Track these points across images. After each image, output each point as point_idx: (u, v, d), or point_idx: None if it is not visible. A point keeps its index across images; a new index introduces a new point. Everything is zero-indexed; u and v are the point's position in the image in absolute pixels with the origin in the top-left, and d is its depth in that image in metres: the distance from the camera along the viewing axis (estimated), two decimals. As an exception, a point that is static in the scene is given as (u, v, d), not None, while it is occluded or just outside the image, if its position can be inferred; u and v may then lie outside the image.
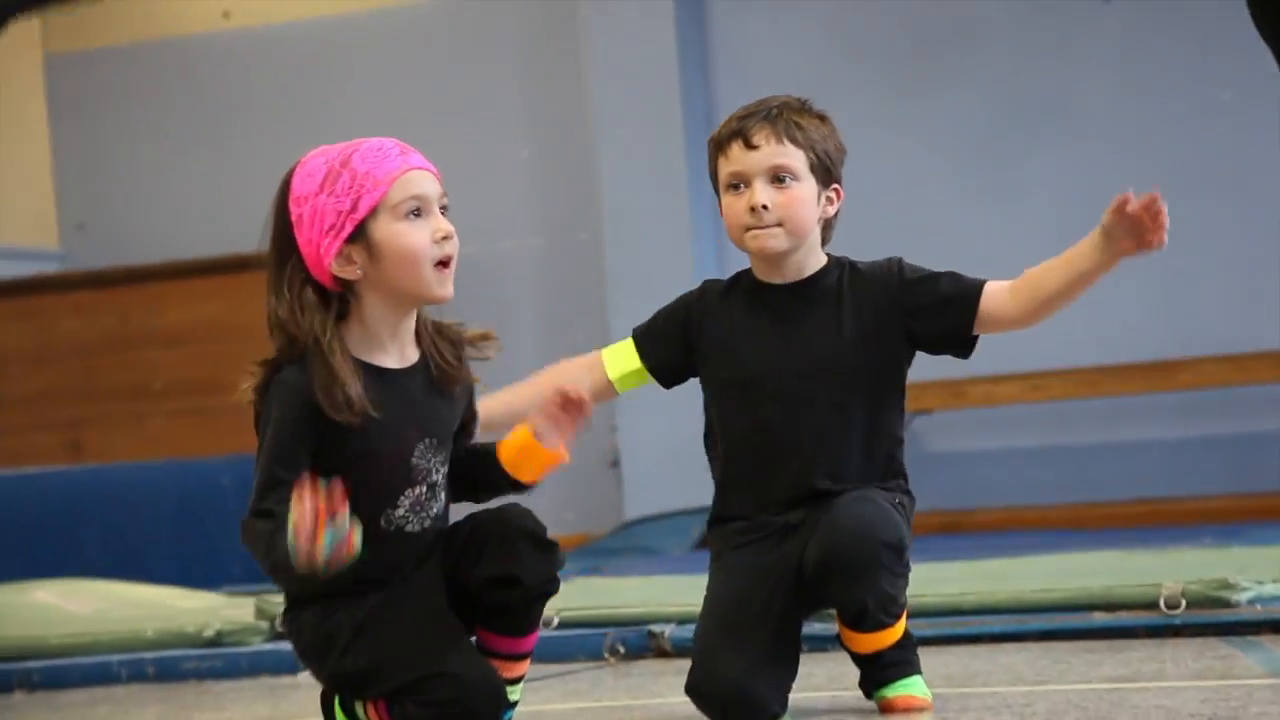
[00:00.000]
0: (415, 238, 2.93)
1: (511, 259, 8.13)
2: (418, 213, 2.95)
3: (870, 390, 3.06)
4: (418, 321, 3.02)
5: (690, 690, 3.01)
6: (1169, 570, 4.27)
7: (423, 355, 3.01)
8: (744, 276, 3.13)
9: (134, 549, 7.05)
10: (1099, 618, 3.93)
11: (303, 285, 2.93)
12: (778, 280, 3.09)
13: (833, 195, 3.10)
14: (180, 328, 7.89)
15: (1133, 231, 2.96)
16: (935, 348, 3.12)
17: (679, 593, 4.60)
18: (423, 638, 2.93)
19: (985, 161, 7.47)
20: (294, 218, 2.95)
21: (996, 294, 3.10)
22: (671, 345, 3.12)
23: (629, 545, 7.13)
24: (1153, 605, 3.89)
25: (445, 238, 2.95)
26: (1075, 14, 7.31)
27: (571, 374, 3.14)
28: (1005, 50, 7.46)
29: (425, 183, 2.97)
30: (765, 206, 3.01)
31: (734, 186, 3.05)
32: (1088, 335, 7.28)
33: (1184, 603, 3.86)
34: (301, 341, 2.90)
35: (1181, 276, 7.20)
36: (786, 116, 3.07)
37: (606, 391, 3.18)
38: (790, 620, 3.03)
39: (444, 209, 2.99)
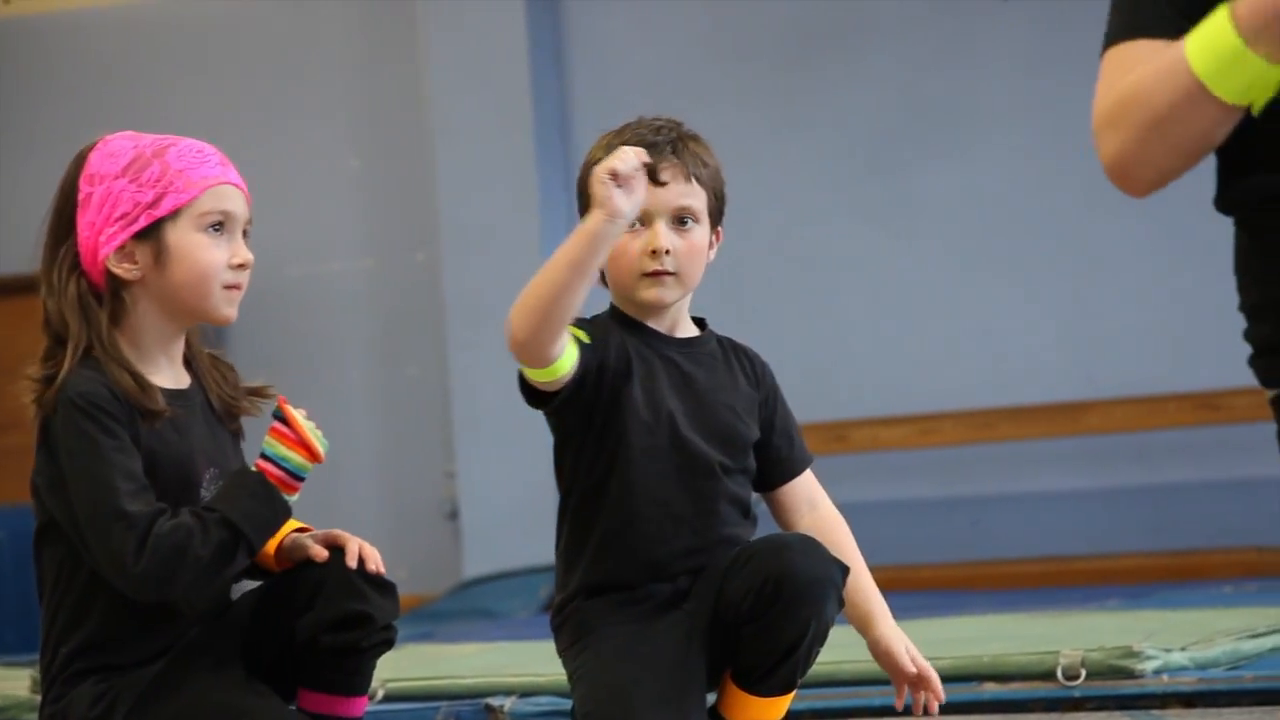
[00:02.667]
0: (213, 254, 3.02)
1: (339, 281, 8.12)
2: (220, 228, 3.03)
3: (751, 456, 3.19)
4: (189, 347, 3.09)
5: None
6: (1069, 637, 4.34)
7: (196, 382, 3.08)
8: (614, 317, 3.15)
9: (-108, 612, 6.94)
10: (990, 689, 3.99)
11: (69, 275, 3.00)
12: (662, 331, 3.15)
13: (717, 235, 3.19)
14: (-48, 357, 7.80)
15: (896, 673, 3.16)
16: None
17: (523, 660, 4.62)
18: (216, 692, 2.96)
19: (874, 173, 7.57)
20: (81, 196, 3.02)
21: (803, 493, 3.23)
22: (596, 354, 3.07)
23: (467, 607, 7.14)
24: (1049, 676, 3.96)
25: (242, 265, 3.05)
26: (973, 12, 7.44)
27: None
28: (896, 51, 7.57)
29: (238, 201, 3.07)
30: (668, 251, 3.06)
31: (631, 225, 3.05)
32: (984, 373, 7.39)
33: (1084, 673, 3.93)
34: (72, 344, 2.96)
35: (1089, 309, 7.33)
36: (692, 150, 3.11)
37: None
38: (702, 681, 3.08)
39: (246, 235, 3.08)
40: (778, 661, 3.05)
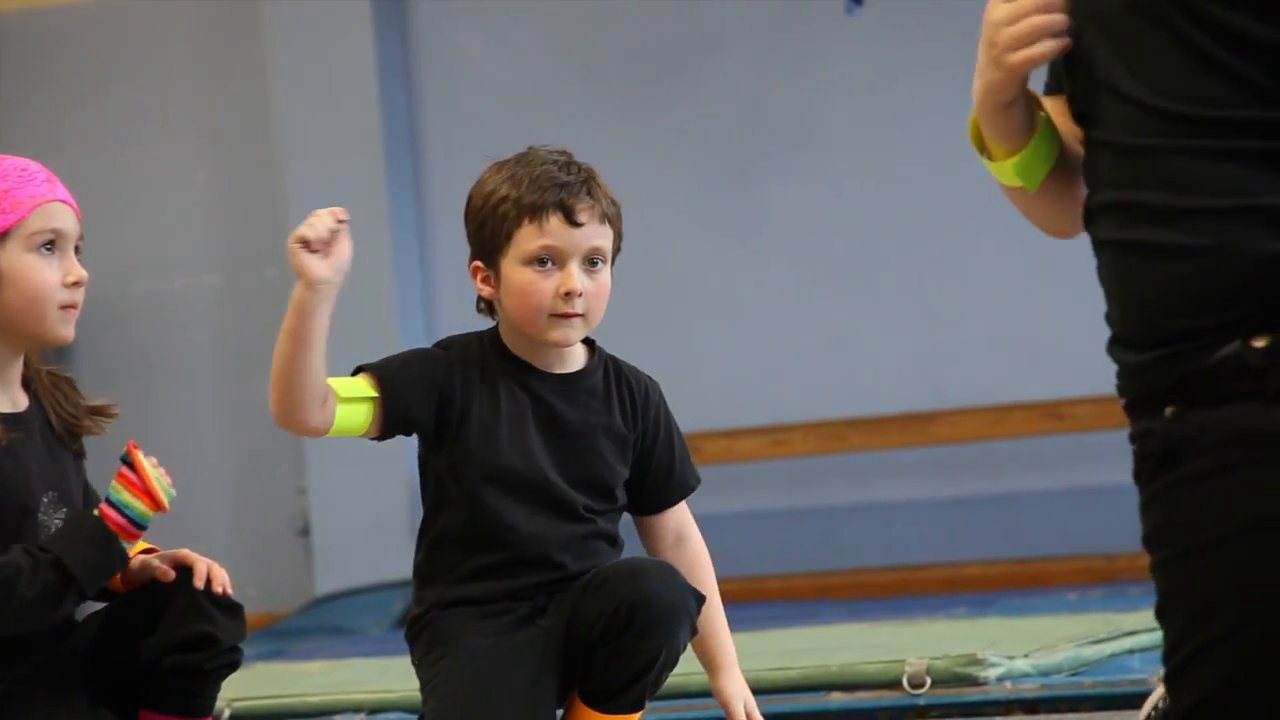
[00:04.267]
0: (45, 274, 2.99)
1: (185, 298, 8.06)
2: (51, 247, 3.00)
3: (619, 506, 3.21)
4: (28, 366, 3.06)
5: None
6: (916, 645, 4.40)
7: (35, 403, 3.04)
8: (493, 345, 3.15)
9: None
10: (837, 698, 4.03)
11: None
12: (542, 366, 3.14)
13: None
14: None
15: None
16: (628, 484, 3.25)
17: (372, 677, 4.62)
18: (58, 718, 2.94)
19: (723, 187, 7.62)
20: None
21: (671, 524, 3.24)
22: (422, 397, 3.07)
23: (319, 624, 7.11)
24: (895, 684, 4.00)
25: (76, 283, 3.03)
26: (820, 26, 7.51)
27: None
28: (744, 66, 7.63)
29: (67, 218, 3.04)
30: (580, 294, 3.06)
31: (541, 262, 3.06)
32: (834, 385, 7.46)
33: (929, 681, 3.97)
34: None
35: (936, 320, 7.42)
36: (603, 191, 3.11)
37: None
38: (554, 697, 3.11)
39: (78, 250, 3.05)
40: (628, 684, 3.09)
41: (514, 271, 3.07)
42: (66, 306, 3.01)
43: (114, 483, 2.95)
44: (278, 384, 2.92)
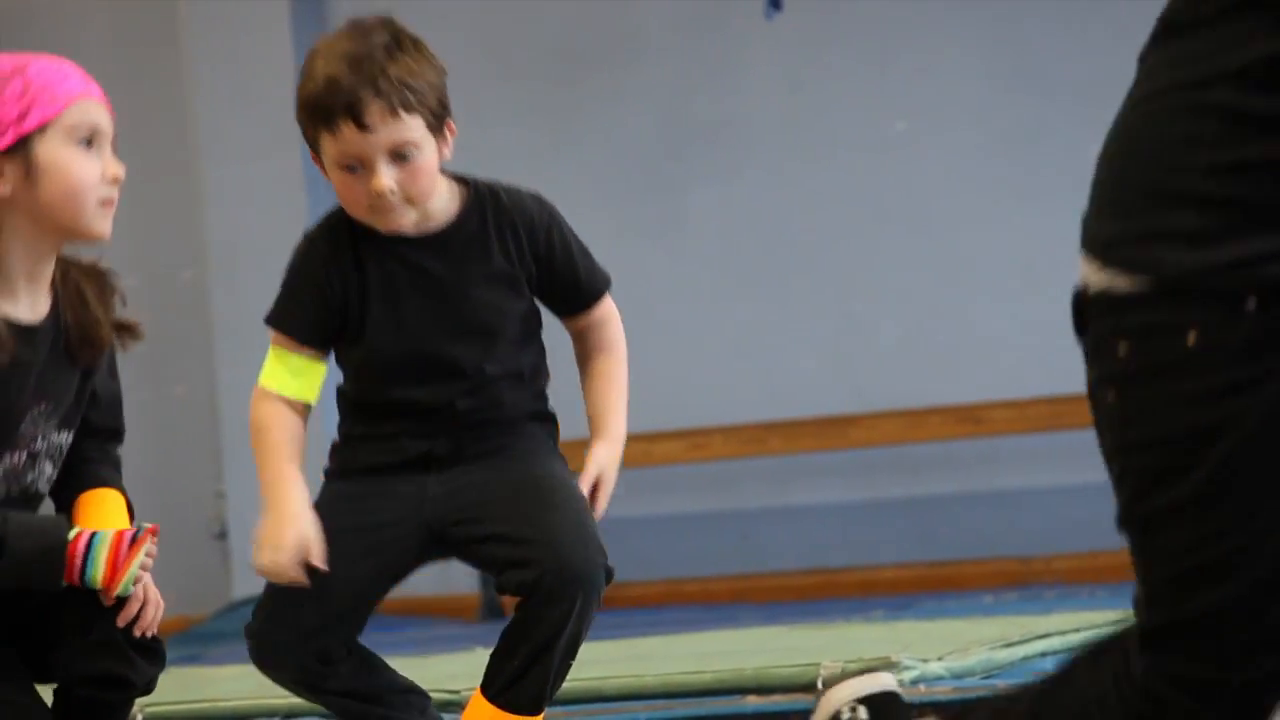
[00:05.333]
0: (86, 168, 2.95)
1: (101, 299, 8.01)
2: (90, 143, 2.97)
3: (521, 335, 3.20)
4: (60, 264, 3.01)
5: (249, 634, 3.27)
6: (831, 648, 4.41)
7: (53, 311, 3.00)
8: (351, 223, 3.14)
9: None
10: (752, 702, 4.05)
11: None
12: (408, 233, 3.14)
13: (446, 134, 3.16)
14: None
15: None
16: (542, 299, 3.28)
17: (288, 683, 4.61)
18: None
19: (642, 191, 7.64)
20: None
21: (593, 337, 3.34)
22: (321, 312, 3.14)
23: (236, 629, 7.03)
24: (810, 688, 4.02)
25: (115, 180, 2.98)
26: (738, 31, 7.54)
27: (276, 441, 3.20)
28: (663, 69, 7.65)
29: (104, 117, 3.00)
30: (393, 190, 3.06)
31: (349, 168, 3.06)
32: (753, 388, 7.49)
33: (844, 684, 4.00)
34: None
35: (853, 324, 7.46)
36: (396, 80, 3.07)
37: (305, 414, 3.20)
38: (390, 574, 3.18)
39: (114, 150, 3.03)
40: (527, 664, 3.07)
41: (332, 174, 3.10)
42: (105, 202, 2.96)
43: (110, 535, 2.93)
44: None
